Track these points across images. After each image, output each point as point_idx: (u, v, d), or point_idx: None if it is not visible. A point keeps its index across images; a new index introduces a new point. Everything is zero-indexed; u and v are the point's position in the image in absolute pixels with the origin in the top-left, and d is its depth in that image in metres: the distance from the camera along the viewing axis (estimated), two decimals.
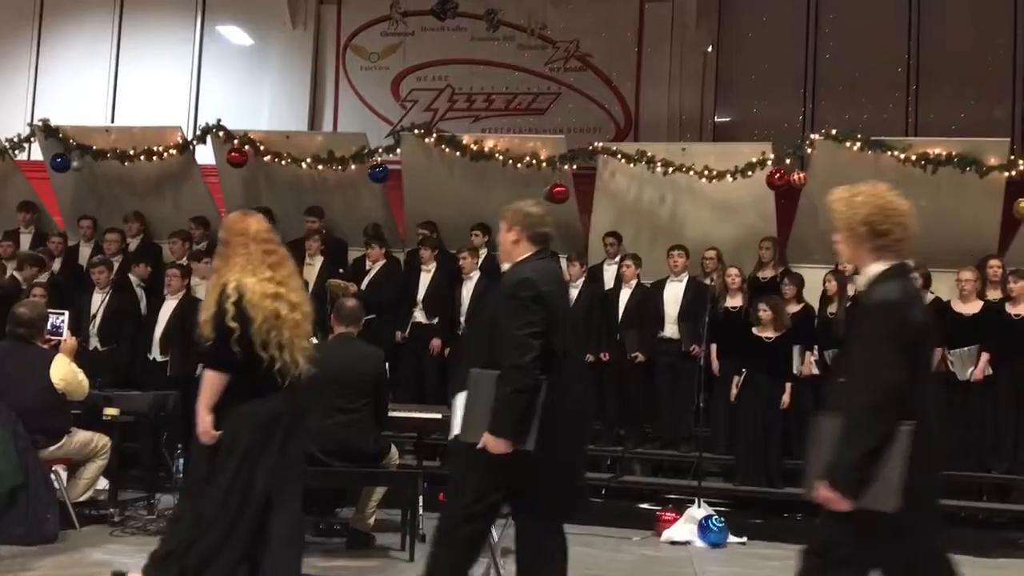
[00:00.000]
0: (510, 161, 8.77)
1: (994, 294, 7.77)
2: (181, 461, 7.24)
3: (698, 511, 6.66)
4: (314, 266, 8.72)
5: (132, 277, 8.71)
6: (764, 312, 7.61)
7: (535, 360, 3.55)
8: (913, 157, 8.00)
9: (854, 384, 3.03)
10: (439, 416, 6.05)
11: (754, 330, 7.68)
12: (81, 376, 5.80)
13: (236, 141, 9.33)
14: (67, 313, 6.69)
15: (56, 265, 9.30)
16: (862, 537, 3.05)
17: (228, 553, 3.79)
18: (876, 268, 3.15)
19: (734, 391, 7.75)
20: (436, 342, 8.38)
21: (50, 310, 6.52)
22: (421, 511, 5.92)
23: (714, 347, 7.92)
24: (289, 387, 3.93)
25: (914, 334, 3.02)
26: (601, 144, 9.01)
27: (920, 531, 3.08)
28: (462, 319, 8.38)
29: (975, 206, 8.10)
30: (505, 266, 3.96)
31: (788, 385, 7.61)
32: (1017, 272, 7.61)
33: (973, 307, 7.63)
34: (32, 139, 9.88)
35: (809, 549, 3.21)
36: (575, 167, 8.86)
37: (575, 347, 3.95)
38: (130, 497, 6.55)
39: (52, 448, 5.71)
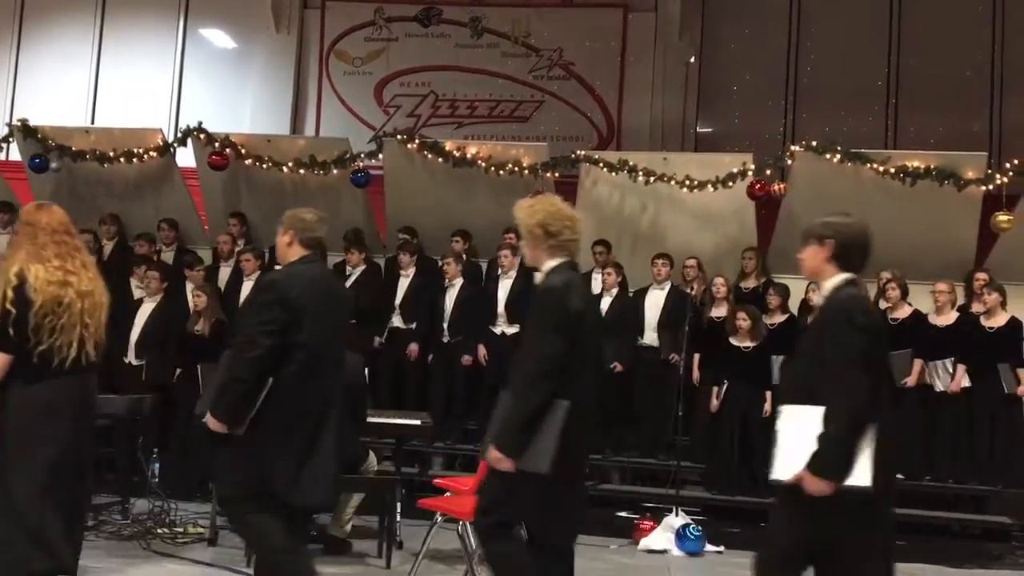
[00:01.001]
0: (492, 168, 8.78)
1: (979, 307, 7.83)
2: (157, 466, 7.21)
3: (675, 520, 6.67)
4: None
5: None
6: (743, 321, 7.64)
7: (259, 357, 3.81)
8: (892, 170, 8.08)
9: (521, 359, 3.65)
10: (418, 422, 6.03)
11: (732, 339, 7.72)
12: None
13: (217, 144, 9.29)
14: None
15: None
16: (518, 497, 3.58)
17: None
18: (550, 264, 3.79)
19: (715, 401, 7.77)
20: (414, 347, 8.36)
21: None
22: (399, 518, 5.90)
23: (697, 356, 7.95)
24: (73, 372, 4.00)
25: (571, 317, 3.61)
26: (583, 152, 9.05)
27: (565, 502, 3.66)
28: (445, 325, 8.36)
29: (953, 219, 8.18)
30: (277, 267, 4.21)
31: (768, 394, 7.64)
32: (990, 284, 7.69)
33: (948, 319, 7.70)
34: (10, 139, 9.81)
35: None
36: (557, 175, 8.88)
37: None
38: (105, 501, 6.48)
39: None
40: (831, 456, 3.13)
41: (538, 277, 3.81)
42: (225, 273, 8.75)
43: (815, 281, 3.58)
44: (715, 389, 7.78)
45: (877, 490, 3.17)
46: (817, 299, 3.57)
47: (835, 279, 3.40)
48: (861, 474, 3.14)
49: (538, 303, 3.78)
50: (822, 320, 3.40)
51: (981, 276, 7.89)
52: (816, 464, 3.14)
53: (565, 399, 3.55)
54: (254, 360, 3.81)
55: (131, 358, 7.89)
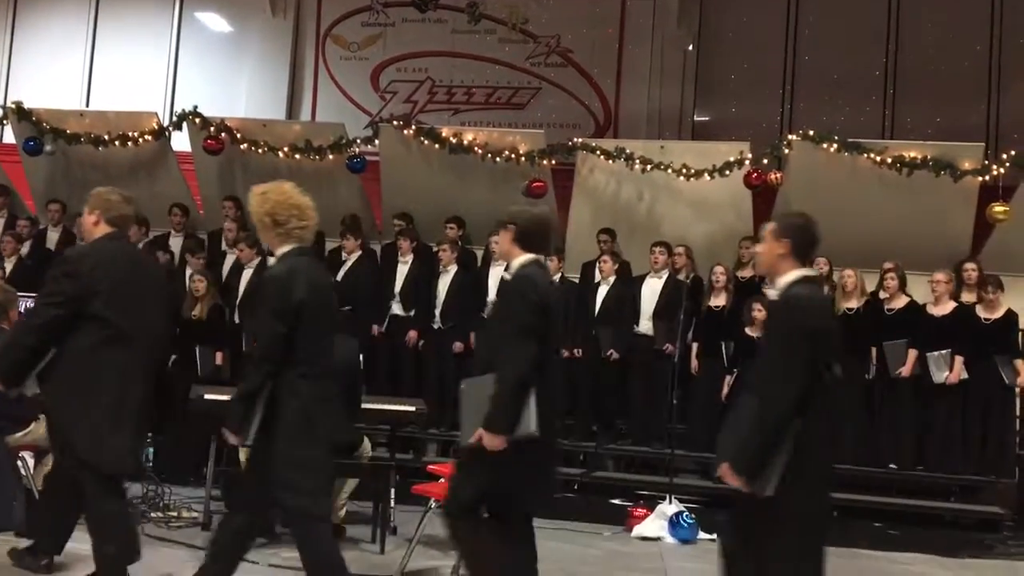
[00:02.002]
0: (489, 155, 8.75)
1: (968, 297, 7.84)
2: (151, 450, 7.21)
3: (669, 507, 6.68)
4: None
5: None
6: (759, 312, 7.53)
7: (40, 325, 4.04)
8: (889, 160, 8.07)
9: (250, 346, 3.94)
10: (412, 409, 6.03)
11: (747, 330, 7.64)
12: None
13: (212, 128, 9.25)
14: None
15: (25, 248, 9.17)
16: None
17: None
18: (280, 251, 3.97)
19: (725, 390, 7.71)
20: (412, 334, 8.35)
21: (28, 294, 6.42)
22: (393, 504, 5.90)
23: (695, 345, 7.94)
24: None
25: (293, 305, 3.77)
26: (580, 140, 9.03)
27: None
28: (437, 312, 8.36)
29: (949, 209, 8.18)
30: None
31: None
32: (993, 279, 7.66)
33: (945, 309, 7.70)
34: (5, 122, 9.76)
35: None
36: (554, 162, 8.86)
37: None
38: None
39: (18, 435, 5.63)
40: (499, 414, 3.60)
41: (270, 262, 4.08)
42: (231, 260, 8.70)
43: (507, 262, 3.99)
44: (727, 379, 7.73)
45: (542, 436, 3.65)
46: (506, 276, 3.95)
47: (521, 258, 3.84)
48: (527, 424, 3.61)
49: (261, 289, 4.10)
50: (501, 294, 3.94)
51: (970, 266, 7.90)
52: (488, 422, 3.61)
53: None
54: (35, 328, 4.08)
55: None
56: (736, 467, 3.28)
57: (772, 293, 3.67)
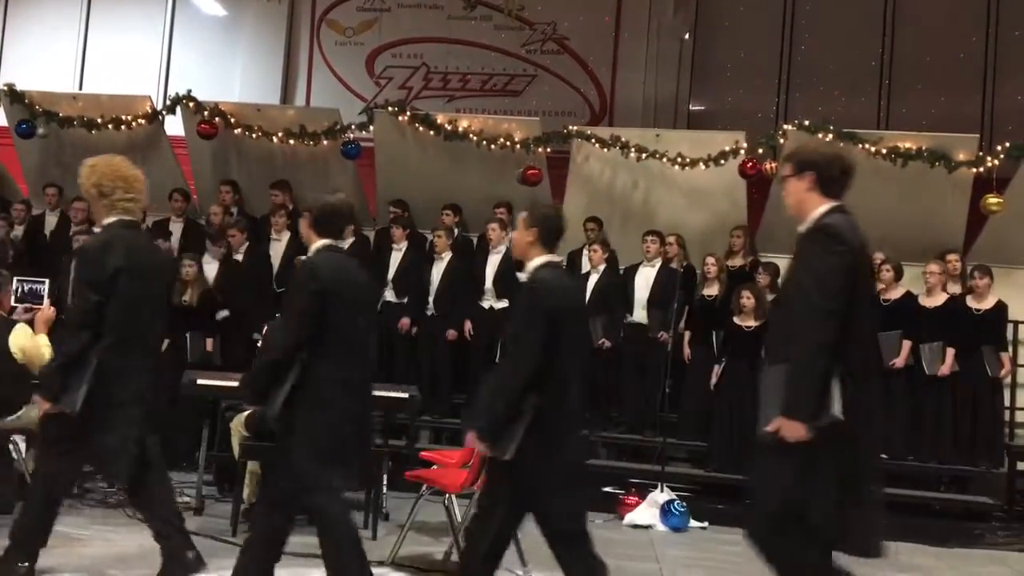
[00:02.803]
0: (484, 142, 8.73)
1: (953, 288, 7.87)
2: None
3: (660, 495, 6.71)
4: (281, 241, 8.64)
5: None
6: (748, 300, 7.58)
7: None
8: (884, 150, 8.07)
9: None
10: (405, 395, 6.03)
11: (735, 319, 7.67)
12: (46, 349, 5.68)
13: (207, 112, 9.21)
14: (47, 281, 6.54)
15: (18, 232, 9.13)
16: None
17: None
18: (105, 221, 4.12)
19: (714, 379, 7.75)
20: (405, 321, 8.35)
21: (28, 278, 6.39)
22: (385, 490, 5.91)
23: (687, 334, 7.95)
24: None
25: (106, 275, 3.94)
26: (576, 128, 9.01)
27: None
28: (431, 299, 8.36)
29: (943, 201, 8.20)
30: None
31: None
32: (980, 267, 7.71)
33: (938, 300, 7.72)
34: None
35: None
36: (549, 150, 8.84)
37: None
38: (91, 469, 6.45)
39: (10, 418, 5.62)
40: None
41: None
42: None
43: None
44: (715, 368, 7.76)
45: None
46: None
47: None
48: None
49: (76, 259, 4.29)
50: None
51: (952, 257, 7.94)
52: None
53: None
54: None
55: None
56: (479, 434, 3.58)
57: (522, 276, 3.95)
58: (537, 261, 3.72)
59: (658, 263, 8.17)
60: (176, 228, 9.14)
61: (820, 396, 3.12)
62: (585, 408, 3.87)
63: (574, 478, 3.68)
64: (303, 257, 4.10)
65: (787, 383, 3.18)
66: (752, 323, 7.64)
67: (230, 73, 11.86)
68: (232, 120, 9.26)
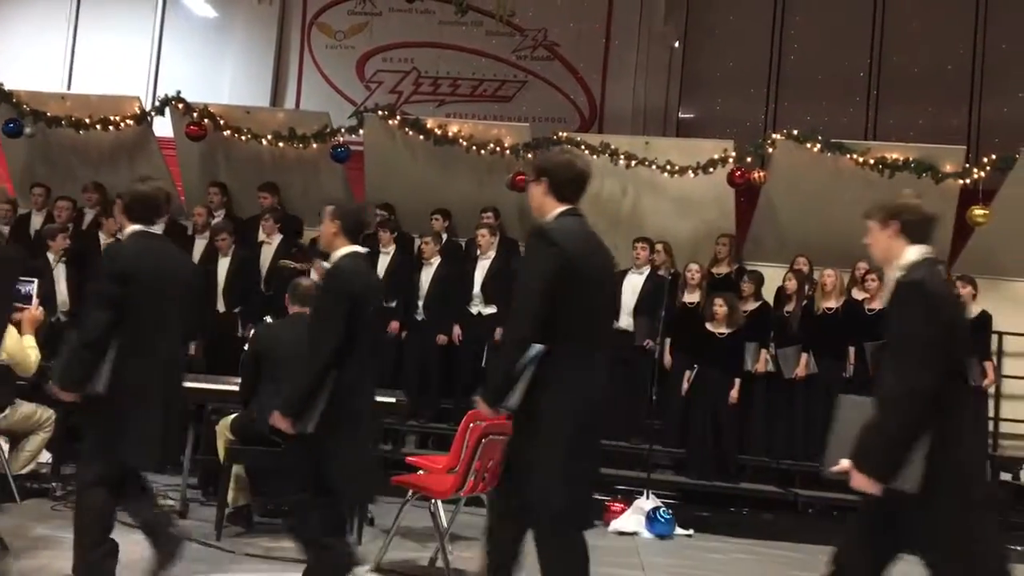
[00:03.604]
0: (474, 147, 8.74)
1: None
2: None
3: (646, 503, 6.71)
4: (271, 244, 8.62)
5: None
6: (720, 308, 7.68)
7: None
8: (871, 161, 8.12)
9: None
10: (392, 400, 6.02)
11: (707, 325, 7.76)
12: (32, 351, 5.64)
13: (196, 114, 9.19)
14: (36, 281, 6.49)
15: (4, 231, 9.07)
16: None
17: None
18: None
19: (685, 386, 7.82)
20: (394, 325, 8.34)
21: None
22: None
23: (668, 341, 7.97)
24: None
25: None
26: (565, 134, 9.03)
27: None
28: (420, 303, 8.35)
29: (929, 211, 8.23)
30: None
31: (737, 381, 7.71)
32: (964, 278, 7.74)
33: None
34: None
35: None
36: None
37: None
38: (73, 471, 6.42)
39: None
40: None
41: None
42: (200, 245, 8.67)
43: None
44: (687, 374, 7.83)
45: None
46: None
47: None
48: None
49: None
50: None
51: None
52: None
53: None
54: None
55: None
56: (283, 411, 3.81)
57: (325, 265, 4.21)
58: (341, 251, 4.01)
59: (646, 270, 8.19)
60: (156, 229, 9.04)
61: None
62: (375, 387, 4.14)
63: (367, 451, 3.98)
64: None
65: None
66: (724, 330, 7.68)
67: (220, 75, 11.84)
68: (221, 122, 9.24)
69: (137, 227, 4.13)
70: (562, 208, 3.61)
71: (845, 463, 3.11)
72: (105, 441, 3.93)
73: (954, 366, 3.15)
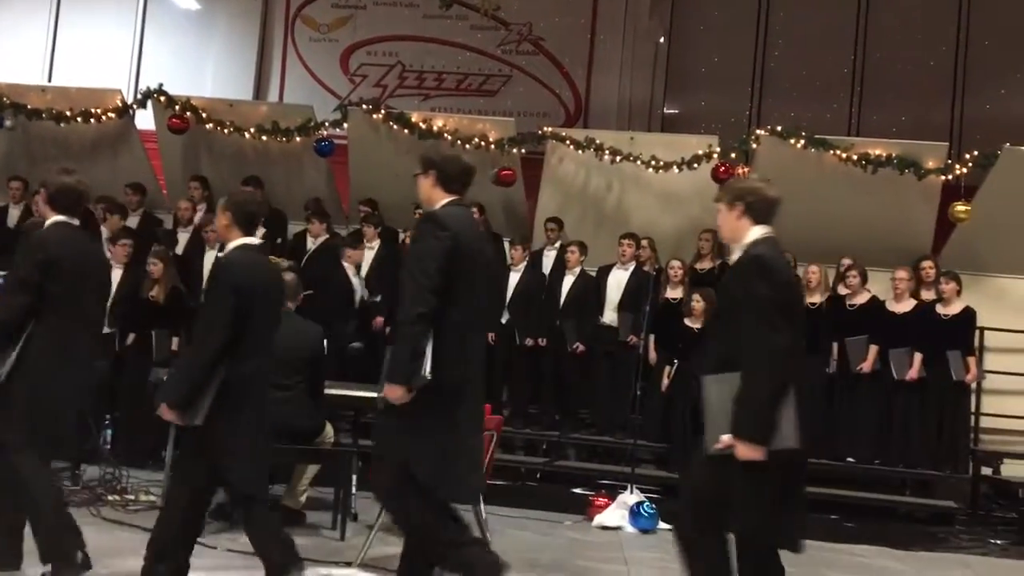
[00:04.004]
0: (458, 142, 8.71)
1: (928, 294, 7.96)
2: (109, 432, 7.11)
3: (630, 497, 6.71)
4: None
5: None
6: (697, 303, 7.69)
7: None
8: (854, 157, 8.15)
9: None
10: (376, 395, 5.99)
11: (686, 321, 7.76)
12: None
13: (178, 107, 9.12)
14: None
15: None
16: None
17: None
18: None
19: (665, 381, 7.83)
20: (379, 319, 8.31)
21: None
22: (354, 490, 5.88)
23: (652, 337, 7.99)
24: None
25: None
26: (550, 129, 9.01)
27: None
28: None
29: (912, 207, 8.29)
30: None
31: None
32: (948, 273, 7.81)
33: (906, 306, 7.81)
34: None
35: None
36: (523, 151, 8.84)
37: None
38: (55, 467, 6.36)
39: None
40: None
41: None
42: (183, 239, 8.60)
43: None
44: (666, 369, 7.84)
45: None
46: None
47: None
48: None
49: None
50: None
51: (927, 264, 8.03)
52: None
53: None
54: None
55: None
56: (169, 404, 3.84)
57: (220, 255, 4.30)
58: (233, 243, 4.06)
59: (631, 266, 8.19)
60: (132, 222, 8.97)
61: None
62: (268, 378, 4.13)
63: (257, 443, 3.97)
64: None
65: None
66: (701, 325, 7.72)
67: (202, 68, 11.76)
68: (203, 115, 9.17)
69: (60, 217, 4.17)
70: (449, 199, 3.82)
71: (726, 438, 3.28)
72: (15, 428, 3.98)
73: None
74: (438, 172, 3.85)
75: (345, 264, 8.24)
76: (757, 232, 3.53)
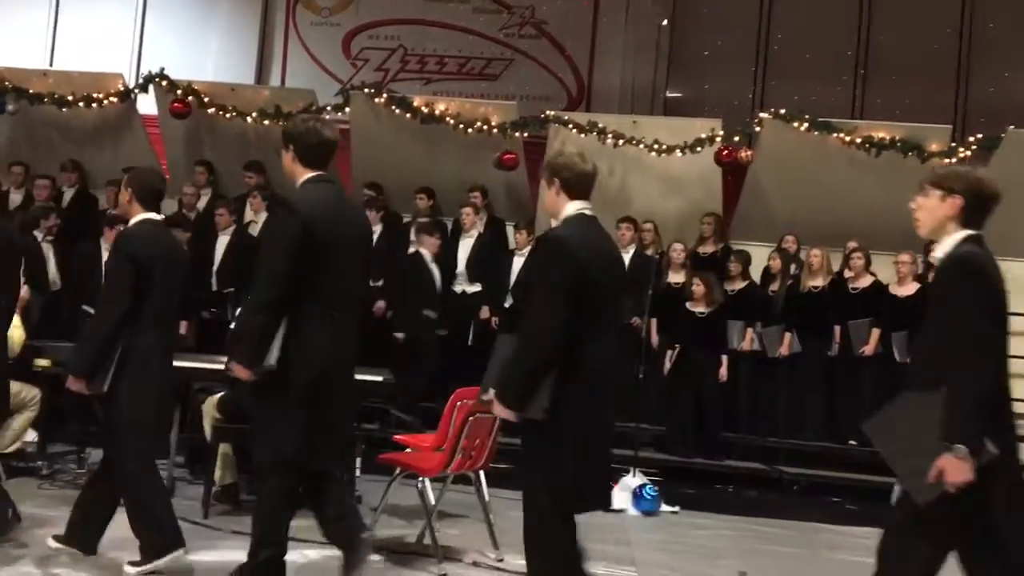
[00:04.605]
0: (461, 126, 8.70)
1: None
2: None
3: (633, 480, 6.75)
4: (259, 223, 8.57)
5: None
6: (697, 287, 7.72)
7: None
8: (858, 140, 8.13)
9: None
10: (380, 379, 6.02)
11: (687, 304, 7.78)
12: (16, 330, 5.59)
13: (180, 91, 9.10)
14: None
15: None
16: None
17: None
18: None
19: (667, 365, 7.85)
20: (380, 304, 8.32)
21: None
22: (359, 473, 5.90)
23: (654, 321, 8.00)
24: None
25: None
26: (553, 113, 9.00)
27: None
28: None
29: (915, 190, 8.25)
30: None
31: (724, 358, 7.75)
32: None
33: (909, 289, 7.81)
34: None
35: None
36: (526, 135, 8.82)
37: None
38: (60, 450, 6.41)
39: None
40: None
41: None
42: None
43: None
44: (668, 353, 7.86)
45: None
46: None
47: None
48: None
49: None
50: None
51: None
52: None
53: None
54: None
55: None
56: (73, 374, 4.01)
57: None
58: (136, 218, 4.19)
59: (631, 250, 8.19)
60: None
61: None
62: (171, 348, 4.33)
63: (162, 404, 4.23)
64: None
65: None
66: (703, 309, 7.72)
67: (204, 52, 11.71)
68: (206, 99, 9.16)
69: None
70: (310, 175, 3.81)
71: (491, 393, 3.47)
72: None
73: (587, 309, 3.35)
74: (296, 147, 3.83)
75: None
76: (572, 208, 3.58)
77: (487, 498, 5.14)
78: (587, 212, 3.57)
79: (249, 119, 9.10)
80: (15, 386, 5.79)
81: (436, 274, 8.15)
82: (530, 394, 3.31)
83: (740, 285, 8.05)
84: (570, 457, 3.37)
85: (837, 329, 7.85)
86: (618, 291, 3.70)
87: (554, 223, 3.61)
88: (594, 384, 3.41)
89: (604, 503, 3.88)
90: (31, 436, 6.09)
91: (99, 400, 4.09)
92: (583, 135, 8.66)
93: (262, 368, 3.64)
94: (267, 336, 3.62)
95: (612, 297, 3.56)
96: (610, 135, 8.57)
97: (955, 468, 2.81)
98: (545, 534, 3.45)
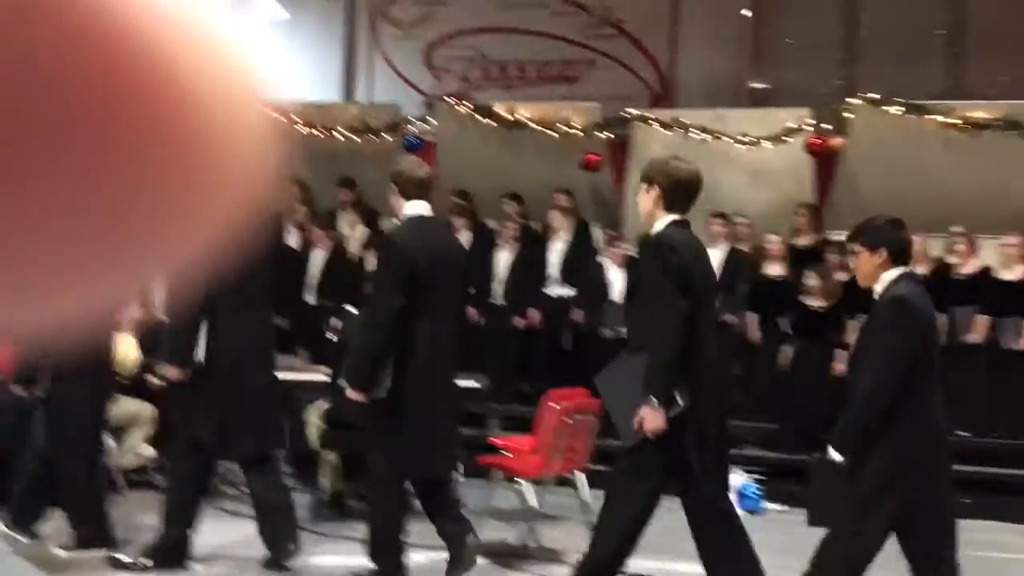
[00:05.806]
0: (543, 130, 8.73)
1: None
2: None
3: (735, 478, 6.66)
4: (354, 236, 8.77)
5: None
6: (813, 280, 7.49)
7: None
8: (956, 122, 7.86)
9: None
10: (478, 386, 6.08)
11: (802, 299, 7.58)
12: (132, 353, 5.83)
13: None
14: None
15: None
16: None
17: None
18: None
19: (786, 362, 7.66)
20: (472, 311, 8.40)
21: None
22: (460, 478, 5.97)
23: (755, 317, 7.86)
24: None
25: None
26: (636, 112, 8.95)
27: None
28: (501, 289, 8.41)
29: (1018, 171, 7.95)
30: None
31: (843, 353, 7.54)
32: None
33: (1016, 274, 7.51)
34: None
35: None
36: (610, 135, 8.80)
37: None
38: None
39: None
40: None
41: None
42: (292, 242, 8.84)
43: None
44: (784, 349, 7.66)
45: None
46: None
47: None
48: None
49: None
50: None
51: None
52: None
53: None
54: None
55: None
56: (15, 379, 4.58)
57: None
58: None
59: (725, 245, 8.08)
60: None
61: None
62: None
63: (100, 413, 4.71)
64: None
65: None
66: (822, 303, 7.53)
67: (290, 73, 12.02)
68: (296, 120, 9.42)
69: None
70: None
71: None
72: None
73: (416, 298, 3.90)
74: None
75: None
76: (410, 209, 4.23)
77: (588, 500, 5.15)
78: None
79: (338, 136, 9.32)
80: (132, 403, 6.07)
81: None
82: (373, 377, 3.82)
83: (844, 277, 7.85)
84: (408, 429, 3.88)
85: (945, 317, 7.59)
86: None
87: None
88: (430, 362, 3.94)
89: (444, 469, 4.31)
90: (149, 452, 6.36)
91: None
92: (667, 132, 8.60)
93: (191, 365, 4.13)
94: (193, 334, 4.08)
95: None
96: (695, 130, 8.48)
97: (651, 417, 3.60)
98: (382, 497, 4.09)
